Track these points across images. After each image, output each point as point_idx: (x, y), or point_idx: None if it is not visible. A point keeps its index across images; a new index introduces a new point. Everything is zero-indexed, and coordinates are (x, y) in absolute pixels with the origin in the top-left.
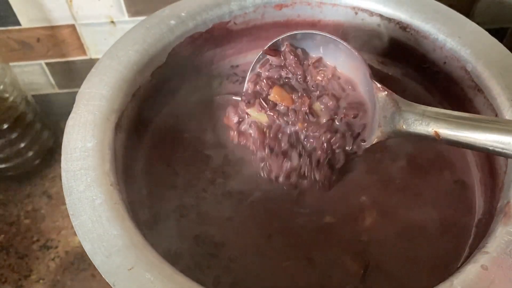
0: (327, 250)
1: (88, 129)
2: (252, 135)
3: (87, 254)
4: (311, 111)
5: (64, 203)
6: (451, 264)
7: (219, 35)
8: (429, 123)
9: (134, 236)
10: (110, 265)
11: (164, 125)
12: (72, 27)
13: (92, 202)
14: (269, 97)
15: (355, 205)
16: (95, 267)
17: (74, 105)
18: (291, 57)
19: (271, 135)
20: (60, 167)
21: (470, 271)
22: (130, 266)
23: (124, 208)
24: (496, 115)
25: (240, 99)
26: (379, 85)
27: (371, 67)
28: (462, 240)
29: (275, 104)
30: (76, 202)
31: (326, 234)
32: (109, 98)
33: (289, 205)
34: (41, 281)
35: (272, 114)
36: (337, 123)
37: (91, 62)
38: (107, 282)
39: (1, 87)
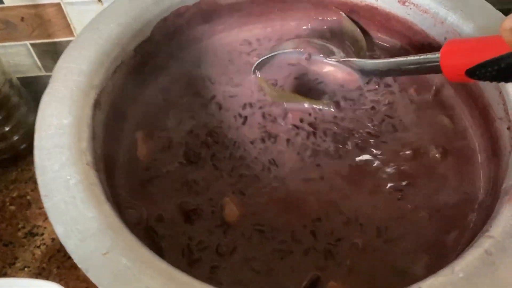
0: None
1: (65, 106)
2: None
3: (59, 238)
4: None
5: None
6: (452, 248)
7: (208, 10)
8: None
9: (111, 218)
10: (83, 249)
11: (150, 102)
12: (58, 5)
13: (66, 182)
14: None
15: None
16: None
17: (50, 80)
18: None
19: None
20: None
21: (473, 257)
22: (105, 251)
23: (100, 189)
24: (500, 93)
25: None
26: None
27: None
28: (463, 222)
29: None
30: (49, 182)
31: None
32: (88, 73)
33: None
34: (26, 269)
35: None
36: None
37: None
38: None
39: None
